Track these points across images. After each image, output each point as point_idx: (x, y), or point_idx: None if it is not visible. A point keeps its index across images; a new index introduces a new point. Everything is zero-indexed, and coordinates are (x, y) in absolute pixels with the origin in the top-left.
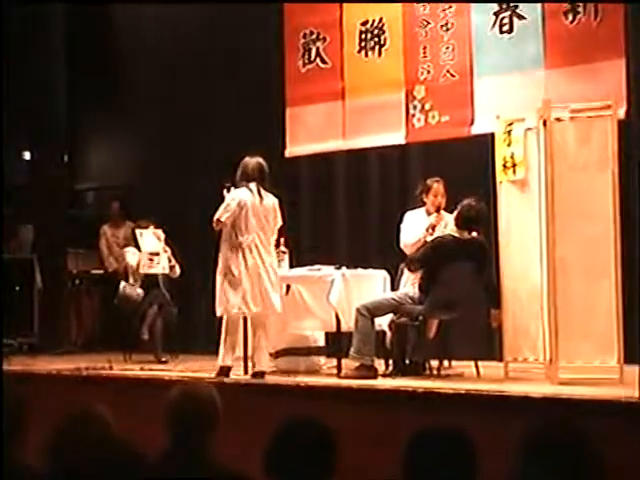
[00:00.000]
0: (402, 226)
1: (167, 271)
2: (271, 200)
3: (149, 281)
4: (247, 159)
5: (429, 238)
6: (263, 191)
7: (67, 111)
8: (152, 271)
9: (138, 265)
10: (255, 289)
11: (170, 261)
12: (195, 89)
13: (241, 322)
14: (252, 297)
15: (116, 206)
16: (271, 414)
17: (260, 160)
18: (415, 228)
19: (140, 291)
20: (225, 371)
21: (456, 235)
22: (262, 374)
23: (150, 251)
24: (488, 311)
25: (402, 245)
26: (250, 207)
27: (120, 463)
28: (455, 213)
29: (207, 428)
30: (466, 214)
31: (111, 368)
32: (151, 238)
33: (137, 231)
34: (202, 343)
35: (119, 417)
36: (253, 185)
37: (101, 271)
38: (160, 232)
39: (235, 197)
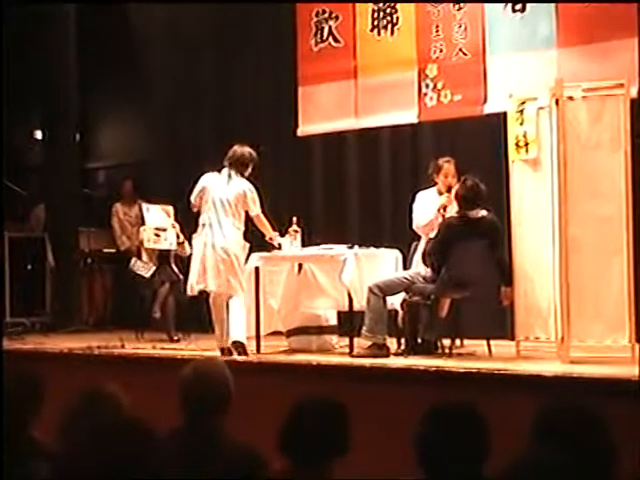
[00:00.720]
0: (414, 206)
1: (174, 247)
2: (241, 186)
3: (161, 259)
4: (234, 147)
5: (441, 218)
6: (236, 177)
7: (79, 90)
8: (158, 246)
9: (143, 240)
10: (210, 268)
11: (179, 237)
12: (207, 67)
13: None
14: (210, 275)
15: (128, 184)
16: (284, 393)
17: (244, 150)
18: (427, 208)
19: (151, 265)
20: (227, 353)
21: (466, 214)
22: (239, 345)
23: (156, 226)
24: (499, 289)
25: (414, 226)
26: (211, 190)
27: (132, 442)
28: (454, 193)
29: (220, 407)
30: (464, 193)
31: (123, 347)
32: (158, 213)
33: (144, 206)
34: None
35: (131, 396)
36: (225, 170)
37: (113, 250)
38: (170, 208)
39: (202, 180)
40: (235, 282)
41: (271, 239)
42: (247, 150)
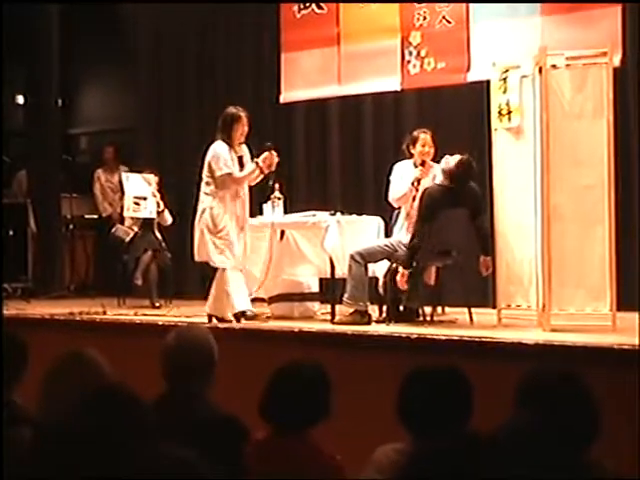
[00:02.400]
0: (391, 178)
1: (154, 216)
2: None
3: (144, 227)
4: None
5: (414, 192)
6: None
7: (61, 54)
8: (137, 215)
9: (122, 208)
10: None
11: (159, 206)
12: (191, 33)
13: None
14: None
15: (110, 151)
16: (266, 360)
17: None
18: (403, 181)
19: (131, 232)
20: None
21: (445, 184)
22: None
23: (136, 195)
24: (475, 257)
25: (390, 198)
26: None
27: (114, 407)
28: (444, 166)
29: (203, 374)
30: (456, 170)
31: (105, 313)
32: (139, 182)
33: (123, 175)
34: (196, 289)
35: (113, 362)
36: None
37: (95, 216)
38: (152, 177)
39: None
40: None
41: (258, 166)
42: (229, 111)
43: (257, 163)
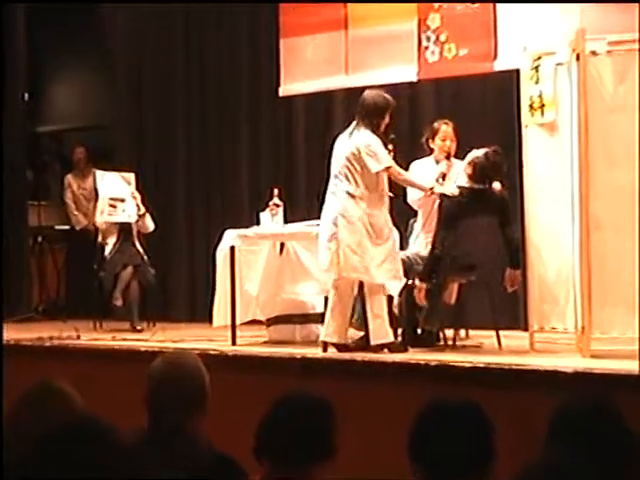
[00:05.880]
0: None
1: (133, 219)
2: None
3: (124, 237)
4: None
5: (439, 189)
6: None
7: (27, 44)
8: (113, 219)
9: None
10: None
11: (139, 209)
12: (176, 17)
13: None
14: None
15: (80, 152)
16: (263, 391)
17: (372, 95)
18: (423, 179)
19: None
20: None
21: (472, 186)
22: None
23: (112, 196)
24: (497, 267)
25: (409, 200)
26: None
27: (87, 445)
28: (467, 165)
29: (192, 406)
30: (482, 166)
31: (78, 338)
32: (115, 181)
33: (98, 173)
34: (183, 310)
35: (88, 394)
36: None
37: (67, 227)
38: (132, 176)
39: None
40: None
41: (429, 191)
42: (377, 94)
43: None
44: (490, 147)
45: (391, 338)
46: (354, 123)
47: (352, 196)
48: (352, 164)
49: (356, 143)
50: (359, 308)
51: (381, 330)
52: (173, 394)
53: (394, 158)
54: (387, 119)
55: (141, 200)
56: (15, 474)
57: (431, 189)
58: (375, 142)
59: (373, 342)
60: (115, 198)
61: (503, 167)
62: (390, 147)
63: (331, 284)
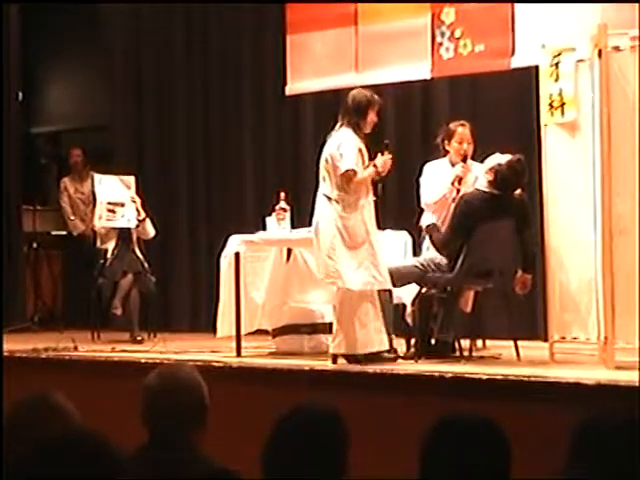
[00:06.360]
0: (422, 180)
1: (133, 225)
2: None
3: (123, 244)
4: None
5: (455, 193)
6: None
7: (21, 41)
8: (112, 224)
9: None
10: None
11: (139, 214)
12: (175, 14)
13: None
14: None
15: (77, 154)
16: (269, 404)
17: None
18: (438, 182)
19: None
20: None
21: (491, 192)
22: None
23: (110, 200)
24: (514, 274)
25: (423, 204)
26: None
27: (84, 462)
28: (488, 170)
29: (192, 421)
30: (504, 175)
31: (76, 349)
32: (114, 185)
33: (95, 177)
34: (185, 320)
35: (86, 408)
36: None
37: (63, 232)
38: (131, 179)
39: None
40: None
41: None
42: (359, 91)
43: (375, 166)
44: (514, 155)
45: (378, 347)
46: (338, 123)
47: (328, 199)
48: (328, 166)
49: (332, 144)
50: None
51: (366, 339)
52: (168, 408)
53: (393, 163)
54: (372, 118)
55: (141, 204)
56: None
57: (457, 180)
58: (347, 143)
59: (359, 351)
60: (114, 203)
61: (525, 176)
62: (385, 153)
63: (335, 292)
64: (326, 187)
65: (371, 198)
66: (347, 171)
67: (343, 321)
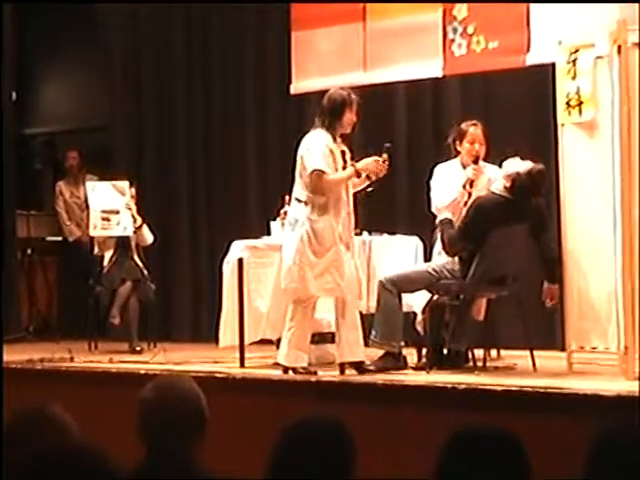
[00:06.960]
0: (432, 183)
1: (130, 233)
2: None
3: (121, 251)
4: None
5: (466, 196)
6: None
7: (15, 40)
8: (107, 233)
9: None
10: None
11: (135, 221)
12: (175, 12)
13: None
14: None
15: (73, 156)
16: (273, 416)
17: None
18: (449, 185)
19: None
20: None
21: (503, 194)
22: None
23: (104, 209)
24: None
25: (434, 207)
26: None
27: (85, 476)
28: (506, 176)
29: (190, 432)
30: (523, 184)
31: (72, 360)
32: (108, 192)
33: (88, 185)
34: (186, 329)
35: (83, 421)
36: None
37: (59, 238)
38: (126, 185)
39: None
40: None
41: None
42: (335, 90)
43: (353, 165)
44: (535, 161)
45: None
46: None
47: (298, 200)
48: (299, 166)
49: (303, 145)
50: (379, 323)
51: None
52: (165, 420)
53: (389, 167)
54: (349, 117)
55: (137, 211)
56: None
57: (469, 183)
58: (317, 143)
59: (338, 360)
60: (108, 210)
61: (544, 187)
62: (384, 156)
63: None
64: (297, 189)
65: (351, 201)
66: (314, 171)
67: (341, 326)
